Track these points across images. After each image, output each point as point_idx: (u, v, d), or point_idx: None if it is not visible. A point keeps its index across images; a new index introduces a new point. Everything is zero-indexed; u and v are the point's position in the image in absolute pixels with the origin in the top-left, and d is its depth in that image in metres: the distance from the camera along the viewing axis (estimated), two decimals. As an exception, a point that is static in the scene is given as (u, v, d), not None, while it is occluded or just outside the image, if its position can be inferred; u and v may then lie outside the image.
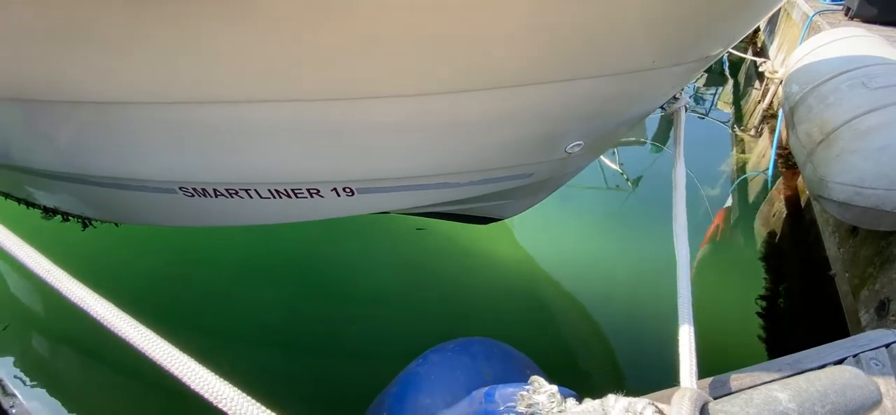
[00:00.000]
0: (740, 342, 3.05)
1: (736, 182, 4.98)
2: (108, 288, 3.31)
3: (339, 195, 2.11)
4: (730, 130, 6.13)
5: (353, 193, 2.11)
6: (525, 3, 1.25)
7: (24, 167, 2.37)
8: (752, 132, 5.35)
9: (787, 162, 4.35)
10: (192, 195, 2.15)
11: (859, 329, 2.14)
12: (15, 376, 2.99)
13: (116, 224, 2.78)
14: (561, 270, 3.75)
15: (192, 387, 0.94)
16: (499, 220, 2.76)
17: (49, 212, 2.82)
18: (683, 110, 1.88)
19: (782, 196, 3.89)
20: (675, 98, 1.87)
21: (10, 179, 2.67)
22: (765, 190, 4.43)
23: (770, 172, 3.97)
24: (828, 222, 2.84)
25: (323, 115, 1.65)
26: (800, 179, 3.79)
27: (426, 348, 3.42)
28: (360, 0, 1.25)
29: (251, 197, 2.12)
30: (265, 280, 3.56)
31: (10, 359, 3.10)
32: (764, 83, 5.33)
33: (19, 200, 2.91)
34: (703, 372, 2.92)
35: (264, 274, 3.60)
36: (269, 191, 2.09)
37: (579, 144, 1.91)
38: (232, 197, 2.13)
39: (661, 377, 3.09)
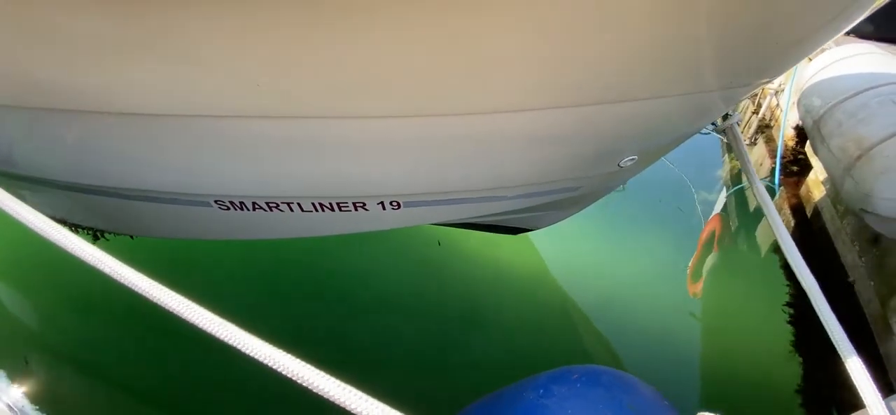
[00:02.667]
0: (769, 349, 3.13)
1: (732, 189, 5.13)
2: (101, 298, 3.11)
3: (384, 208, 2.05)
4: (720, 138, 6.32)
5: (399, 207, 2.05)
6: (602, 27, 1.24)
7: (33, 177, 2.21)
8: (747, 142, 5.51)
9: (786, 171, 4.52)
10: (228, 208, 2.05)
11: (888, 335, 2.22)
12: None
13: (132, 236, 2.63)
14: (561, 271, 3.79)
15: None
16: (531, 230, 2.75)
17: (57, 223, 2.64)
18: (737, 126, 1.91)
19: (787, 205, 4.02)
20: (727, 115, 1.90)
21: (12, 189, 2.48)
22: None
23: (777, 181, 4.10)
24: (843, 231, 2.95)
25: (384, 132, 1.60)
26: (803, 187, 3.93)
27: (438, 357, 3.41)
28: (425, 18, 1.21)
29: (292, 210, 2.04)
30: (266, 285, 3.44)
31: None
32: (757, 95, 5.51)
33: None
34: (738, 378, 3.01)
35: (265, 278, 3.47)
36: (313, 204, 2.01)
37: (633, 159, 1.91)
38: (271, 210, 2.04)
39: (669, 371, 3.19)
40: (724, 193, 5.23)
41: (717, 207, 5.06)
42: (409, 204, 2.05)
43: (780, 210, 4.17)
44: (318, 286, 3.44)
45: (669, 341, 3.36)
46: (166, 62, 1.41)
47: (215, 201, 2.03)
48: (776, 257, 3.94)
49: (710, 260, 4.21)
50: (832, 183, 2.88)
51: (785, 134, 4.82)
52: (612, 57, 1.37)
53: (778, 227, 1.53)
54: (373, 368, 3.03)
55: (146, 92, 1.50)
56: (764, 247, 4.32)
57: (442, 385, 2.97)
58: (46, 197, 2.43)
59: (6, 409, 2.28)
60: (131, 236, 2.63)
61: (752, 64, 1.54)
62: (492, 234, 3.00)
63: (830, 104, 2.47)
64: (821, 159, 2.49)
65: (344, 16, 1.19)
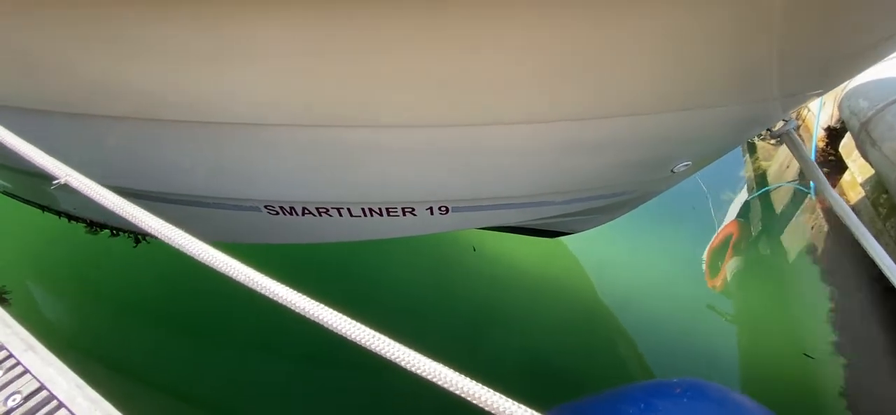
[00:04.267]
0: (807, 350, 3.09)
1: (756, 192, 5.06)
2: (131, 303, 3.09)
3: (432, 214, 2.04)
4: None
5: (447, 211, 2.04)
6: (670, 39, 1.22)
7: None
8: (773, 142, 5.45)
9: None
10: (277, 213, 2.05)
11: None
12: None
13: (172, 240, 2.63)
14: (579, 269, 3.76)
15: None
16: (570, 234, 2.73)
17: (95, 226, 2.65)
18: (794, 132, 1.88)
19: (819, 207, 3.97)
20: (784, 121, 1.87)
21: (54, 192, 2.50)
22: (794, 202, 4.50)
23: (812, 183, 4.04)
24: (885, 234, 2.90)
25: (437, 140, 1.59)
26: (837, 190, 3.88)
27: (457, 360, 3.36)
28: (482, 26, 1.19)
29: (341, 215, 2.03)
30: (289, 285, 3.42)
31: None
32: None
33: (60, 214, 2.74)
34: (774, 379, 2.97)
35: (289, 278, 3.46)
36: (362, 210, 2.01)
37: (687, 164, 1.89)
38: (320, 215, 2.03)
39: (689, 367, 3.15)
40: (742, 197, 5.17)
41: (733, 211, 5.00)
42: (458, 209, 2.03)
43: (812, 213, 4.12)
44: (341, 292, 3.43)
45: (694, 340, 3.33)
46: (226, 71, 1.41)
47: (265, 207, 2.03)
48: (807, 260, 3.89)
49: (733, 263, 4.17)
50: (877, 184, 2.82)
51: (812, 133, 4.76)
52: (678, 67, 1.35)
53: (860, 232, 1.49)
54: (391, 373, 3.02)
55: (204, 100, 1.49)
56: (792, 251, 4.26)
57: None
58: (93, 202, 2.44)
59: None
60: (172, 240, 2.63)
61: (819, 70, 1.52)
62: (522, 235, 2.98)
63: (879, 106, 2.43)
64: (872, 162, 2.44)
65: (399, 26, 1.18)
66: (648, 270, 3.84)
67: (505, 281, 3.62)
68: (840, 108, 2.91)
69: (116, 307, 3.15)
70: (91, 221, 2.64)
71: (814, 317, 3.39)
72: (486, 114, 1.47)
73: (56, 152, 2.04)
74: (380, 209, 2.00)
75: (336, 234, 2.17)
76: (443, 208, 2.02)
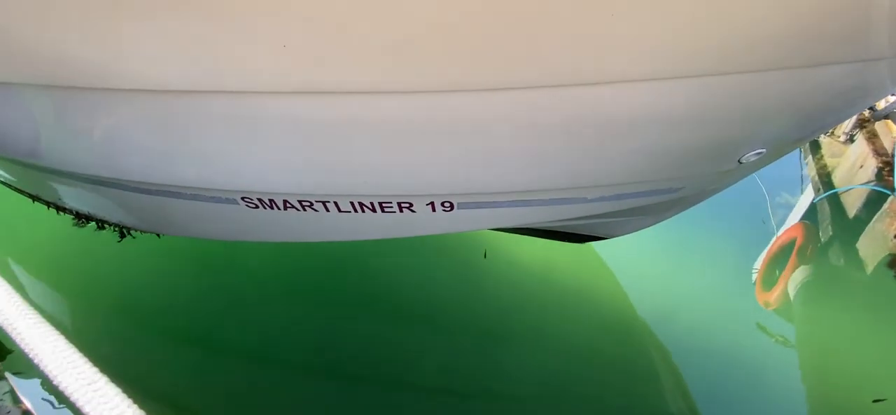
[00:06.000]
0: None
1: (825, 192, 4.43)
2: (129, 303, 2.93)
3: (434, 211, 1.71)
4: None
5: (451, 208, 1.71)
6: None
7: (57, 170, 2.03)
8: (842, 139, 4.80)
9: (891, 170, 3.82)
10: (257, 207, 1.78)
11: None
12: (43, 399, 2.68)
13: (158, 235, 2.42)
14: (615, 280, 3.32)
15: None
16: (603, 239, 2.33)
17: (82, 218, 2.48)
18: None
19: (904, 213, 3.37)
20: (893, 96, 1.43)
21: (39, 181, 2.34)
22: (870, 206, 3.89)
23: (897, 184, 3.45)
24: None
25: (435, 110, 1.26)
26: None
27: (472, 374, 3.05)
28: None
29: (328, 211, 1.74)
30: (291, 293, 3.18)
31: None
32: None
33: (48, 204, 2.59)
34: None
35: (291, 285, 3.22)
36: (351, 204, 1.70)
37: (760, 153, 1.47)
38: (305, 210, 1.75)
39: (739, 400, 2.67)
40: (805, 200, 4.56)
41: (798, 214, 4.41)
42: (464, 206, 1.69)
43: (894, 218, 3.51)
44: (346, 296, 3.16)
45: (747, 367, 2.84)
46: (177, 27, 1.14)
47: (242, 199, 1.76)
48: (890, 274, 3.31)
49: (797, 275, 3.61)
50: None
51: (891, 129, 4.11)
52: (763, 7, 0.96)
53: None
54: (404, 387, 2.74)
55: (157, 62, 1.23)
56: (871, 262, 3.66)
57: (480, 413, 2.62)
58: (74, 191, 2.27)
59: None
60: (158, 235, 2.42)
61: None
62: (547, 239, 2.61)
63: None
64: None
65: None
66: (693, 282, 3.37)
67: (528, 289, 3.26)
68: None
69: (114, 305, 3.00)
70: (78, 213, 2.47)
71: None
72: (482, 75, 1.13)
73: (35, 132, 1.87)
74: (372, 204, 1.69)
75: (324, 232, 1.88)
76: (446, 204, 1.69)
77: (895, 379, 2.66)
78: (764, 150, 1.46)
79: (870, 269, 3.55)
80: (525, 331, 3.00)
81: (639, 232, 2.86)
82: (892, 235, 3.42)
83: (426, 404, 2.67)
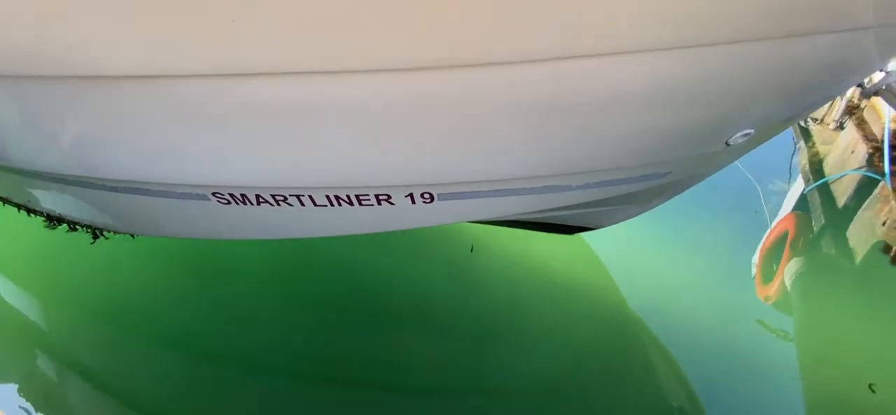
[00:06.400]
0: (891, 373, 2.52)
1: (816, 182, 4.41)
2: (111, 308, 2.85)
3: (413, 203, 1.65)
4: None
5: (431, 200, 1.64)
6: None
7: (22, 169, 1.95)
8: (832, 126, 4.78)
9: (881, 155, 3.80)
10: (229, 202, 1.70)
11: None
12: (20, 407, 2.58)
13: (133, 236, 2.34)
14: (607, 272, 3.27)
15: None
16: (592, 229, 2.27)
17: (53, 221, 2.39)
18: (893, 93, 1.38)
19: (893, 200, 3.35)
20: (883, 72, 1.39)
21: (6, 181, 2.25)
22: (859, 193, 3.87)
23: (887, 169, 3.42)
24: None
25: (410, 91, 1.19)
26: (918, 179, 3.25)
27: (466, 371, 2.99)
28: None
29: (303, 205, 1.67)
30: (281, 294, 3.11)
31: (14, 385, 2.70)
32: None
33: (19, 207, 2.50)
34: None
35: (281, 286, 3.14)
36: (327, 198, 1.63)
37: (748, 134, 1.42)
38: (279, 205, 1.68)
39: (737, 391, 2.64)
40: (797, 188, 4.54)
41: (789, 204, 4.39)
42: (444, 197, 1.63)
43: (884, 204, 3.49)
44: (336, 297, 3.09)
45: (744, 358, 2.81)
46: (128, 9, 1.06)
47: (213, 194, 1.69)
48: (884, 259, 3.28)
49: (792, 265, 3.58)
50: None
51: (880, 116, 4.10)
52: None
53: None
54: (397, 389, 2.68)
55: (110, 47, 1.16)
56: (859, 251, 3.64)
57: (476, 412, 2.56)
58: (42, 191, 2.18)
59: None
60: (132, 236, 2.34)
61: None
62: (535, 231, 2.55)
63: None
64: None
65: None
66: (686, 273, 3.32)
67: (520, 285, 3.20)
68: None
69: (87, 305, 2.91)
70: (49, 215, 2.38)
71: (893, 332, 2.81)
72: (466, 52, 1.07)
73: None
74: (348, 197, 1.62)
75: (301, 227, 1.81)
76: (426, 196, 1.63)
77: (890, 364, 2.63)
78: (751, 130, 1.41)
79: (860, 256, 3.53)
80: (518, 327, 2.95)
81: (631, 226, 2.82)
82: (881, 223, 3.40)
83: (420, 404, 2.62)
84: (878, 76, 1.39)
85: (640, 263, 3.38)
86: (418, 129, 1.31)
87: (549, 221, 2.11)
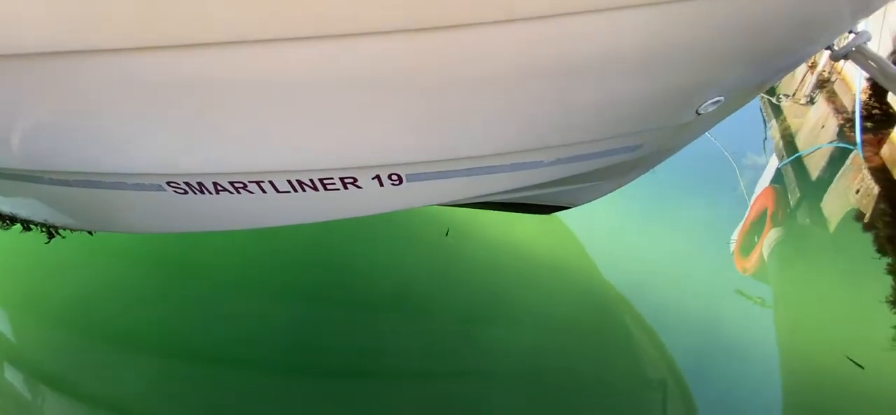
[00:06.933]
0: (863, 336, 2.57)
1: (789, 158, 4.48)
2: (75, 311, 2.73)
3: (382, 185, 1.59)
4: (764, 102, 5.63)
5: (400, 182, 1.58)
6: None
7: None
8: (803, 101, 4.85)
9: (852, 126, 3.86)
10: (185, 192, 1.61)
11: None
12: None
13: (91, 233, 2.22)
14: (588, 253, 3.28)
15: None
16: (566, 208, 2.24)
17: (4, 220, 2.26)
18: (868, 46, 1.35)
19: (866, 168, 3.40)
20: (852, 33, 1.36)
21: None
22: (832, 164, 3.94)
23: (859, 140, 3.47)
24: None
25: (371, 60, 1.12)
26: (886, 147, 3.31)
27: (453, 356, 2.98)
28: None
29: (264, 192, 1.59)
30: (264, 286, 3.02)
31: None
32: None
33: (-31, 208, 2.35)
34: (822, 372, 2.44)
35: (263, 278, 3.06)
36: (289, 183, 1.56)
37: (718, 101, 1.39)
38: (239, 192, 1.59)
39: (727, 366, 2.68)
40: (772, 166, 4.61)
41: (765, 179, 4.46)
42: (413, 178, 1.57)
43: (857, 173, 3.55)
44: (319, 286, 3.02)
45: (722, 330, 2.84)
46: None
47: (168, 183, 1.59)
48: (856, 227, 3.34)
49: (770, 237, 3.64)
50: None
51: (850, 87, 4.16)
52: None
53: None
54: (382, 376, 2.64)
55: (31, 20, 1.05)
56: (833, 220, 3.71)
57: (465, 396, 2.54)
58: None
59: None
60: (90, 233, 2.23)
61: None
62: (512, 213, 2.52)
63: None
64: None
65: None
66: (665, 251, 3.34)
67: (500, 267, 3.17)
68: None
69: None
70: (0, 215, 2.25)
71: (866, 293, 2.86)
72: (421, 13, 1.00)
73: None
74: (311, 181, 1.55)
75: (266, 216, 1.73)
76: (394, 177, 1.56)
77: (860, 330, 2.68)
78: (721, 97, 1.38)
79: (835, 224, 3.59)
80: (501, 310, 2.93)
81: (610, 206, 2.80)
82: (854, 191, 3.46)
83: (404, 390, 2.58)
84: (847, 40, 1.37)
85: (620, 243, 3.39)
86: (379, 103, 1.24)
87: (525, 202, 2.07)
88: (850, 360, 2.45)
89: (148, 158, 1.42)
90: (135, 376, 2.54)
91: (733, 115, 1.66)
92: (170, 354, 2.66)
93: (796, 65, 1.45)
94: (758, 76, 1.37)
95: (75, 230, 2.19)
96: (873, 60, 1.34)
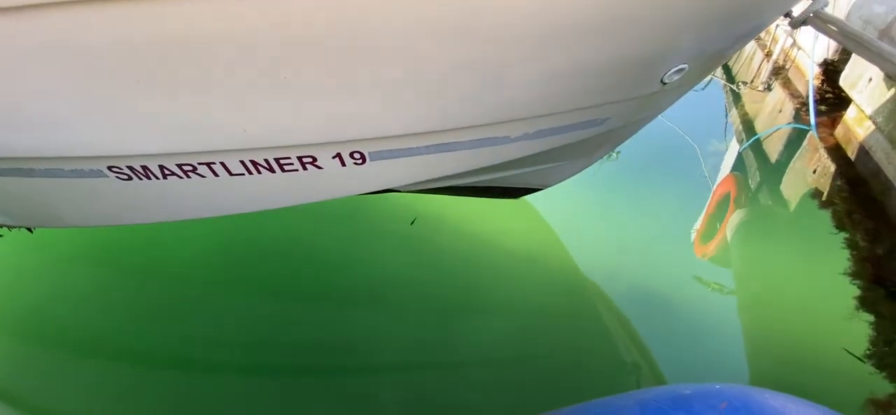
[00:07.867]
0: (824, 310, 2.66)
1: (748, 141, 4.63)
2: (15, 318, 2.53)
3: (343, 164, 1.51)
4: (725, 89, 5.81)
5: (363, 161, 1.51)
6: None
7: None
8: (761, 88, 5.03)
9: (807, 110, 4.01)
10: (130, 178, 1.50)
11: None
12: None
13: (30, 230, 2.06)
14: (559, 241, 3.31)
15: None
16: (536, 191, 2.22)
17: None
18: (821, 19, 1.36)
19: (822, 148, 3.54)
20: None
21: None
22: (790, 147, 4.09)
23: (813, 121, 3.60)
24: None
25: (326, 27, 1.05)
26: (840, 127, 3.45)
27: (430, 353, 2.94)
28: None
29: (217, 175, 1.49)
30: (234, 284, 2.89)
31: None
32: (771, 35, 5.01)
33: None
34: (785, 346, 2.51)
35: (232, 279, 2.92)
36: (243, 164, 1.46)
37: (682, 68, 1.38)
38: (188, 176, 1.49)
39: (695, 345, 2.75)
40: (734, 149, 4.76)
41: (727, 165, 4.60)
42: (377, 156, 1.51)
43: (813, 153, 3.69)
44: (292, 283, 2.90)
45: (691, 311, 2.90)
46: None
47: (109, 168, 1.47)
48: (814, 205, 3.46)
49: (733, 220, 3.74)
50: (893, 114, 2.37)
51: (804, 73, 4.33)
52: None
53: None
54: (361, 372, 2.56)
55: None
56: (792, 200, 3.85)
57: (442, 387, 2.49)
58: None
59: None
60: (30, 230, 2.06)
61: None
62: (482, 200, 2.48)
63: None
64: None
65: None
66: (633, 237, 3.39)
67: (475, 258, 3.14)
68: (848, 19, 2.44)
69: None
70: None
71: (826, 269, 2.97)
72: None
73: None
74: (267, 162, 1.46)
75: (219, 203, 1.63)
76: (356, 155, 1.49)
77: (820, 303, 2.78)
78: (685, 65, 1.37)
79: (794, 204, 3.72)
80: (476, 300, 2.90)
81: (580, 194, 2.78)
82: (812, 171, 3.60)
83: (380, 385, 2.51)
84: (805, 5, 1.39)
85: (591, 232, 3.42)
86: (339, 71, 1.17)
87: (495, 184, 2.04)
88: (849, 353, 2.51)
89: (81, 138, 1.30)
90: (96, 386, 2.37)
91: (697, 105, 1.67)
92: (132, 359, 2.50)
93: (758, 30, 1.46)
94: (720, 42, 1.37)
95: (13, 227, 2.02)
96: (832, 23, 1.36)
